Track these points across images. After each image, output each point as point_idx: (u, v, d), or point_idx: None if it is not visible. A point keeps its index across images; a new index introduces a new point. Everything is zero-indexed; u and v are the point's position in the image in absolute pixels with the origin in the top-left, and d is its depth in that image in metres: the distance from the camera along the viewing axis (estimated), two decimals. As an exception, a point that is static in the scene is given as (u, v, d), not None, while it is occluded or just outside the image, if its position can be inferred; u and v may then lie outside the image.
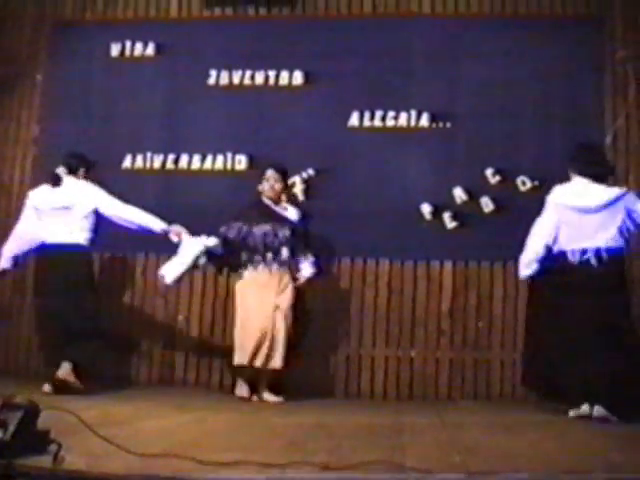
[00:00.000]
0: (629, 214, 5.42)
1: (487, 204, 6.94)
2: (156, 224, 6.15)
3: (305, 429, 4.42)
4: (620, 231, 5.41)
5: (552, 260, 5.51)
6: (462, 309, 6.92)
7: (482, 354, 6.87)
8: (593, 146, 5.93)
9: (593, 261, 5.36)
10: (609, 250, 5.38)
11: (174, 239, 6.14)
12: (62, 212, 6.13)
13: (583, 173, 5.49)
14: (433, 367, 6.91)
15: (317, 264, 6.41)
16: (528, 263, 5.58)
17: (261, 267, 6.21)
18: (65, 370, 5.91)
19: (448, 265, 6.98)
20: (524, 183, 6.92)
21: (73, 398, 5.40)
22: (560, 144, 6.63)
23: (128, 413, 4.85)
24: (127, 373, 7.11)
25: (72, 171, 6.27)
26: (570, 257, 5.42)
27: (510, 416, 5.48)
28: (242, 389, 6.19)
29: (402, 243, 6.95)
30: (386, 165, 7.09)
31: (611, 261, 5.39)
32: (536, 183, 6.80)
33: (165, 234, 6.15)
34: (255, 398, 6.12)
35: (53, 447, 2.91)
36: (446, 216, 6.98)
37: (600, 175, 5.50)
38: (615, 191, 5.47)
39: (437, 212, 7.00)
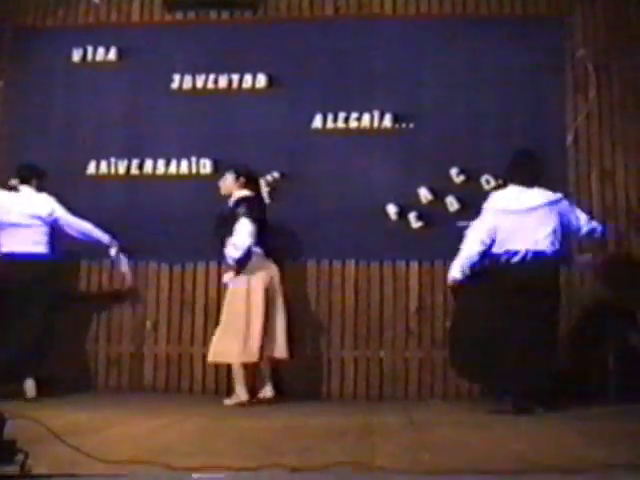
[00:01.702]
0: (562, 219, 5.78)
1: (452, 203, 6.98)
2: (104, 238, 6.63)
3: (275, 432, 4.42)
4: (553, 235, 5.69)
5: (482, 264, 5.80)
6: (429, 309, 6.95)
7: (450, 353, 6.89)
8: (525, 153, 6.06)
9: (520, 261, 5.66)
10: (539, 253, 5.63)
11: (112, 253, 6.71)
12: (26, 222, 6.31)
13: (515, 180, 5.85)
14: (402, 367, 6.94)
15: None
16: (461, 267, 5.79)
17: None
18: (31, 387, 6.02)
19: (414, 265, 7.01)
20: (488, 182, 6.96)
21: (40, 406, 5.36)
22: (523, 143, 6.67)
23: (96, 420, 4.83)
24: (95, 380, 7.06)
25: (25, 181, 6.47)
26: (502, 260, 5.70)
27: (479, 414, 5.50)
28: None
29: (368, 244, 6.96)
30: (350, 166, 7.11)
31: (542, 263, 5.64)
32: (500, 182, 6.82)
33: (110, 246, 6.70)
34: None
35: (20, 457, 2.89)
36: (411, 216, 7.01)
37: (529, 181, 5.80)
38: (549, 195, 5.77)
39: (402, 212, 7.02)
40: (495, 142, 6.97)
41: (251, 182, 6.48)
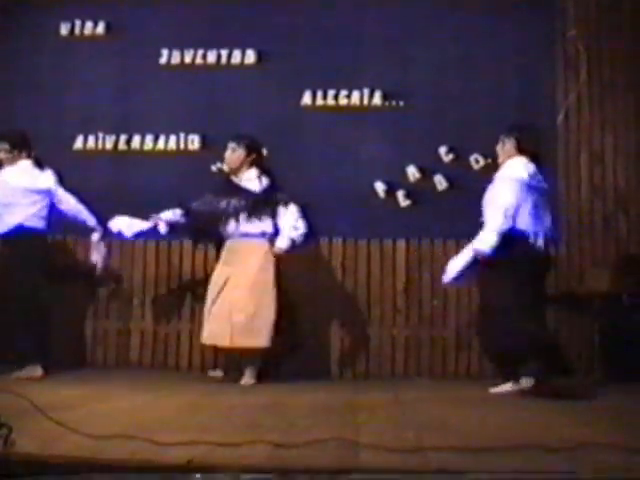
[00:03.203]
0: None
1: (440, 182, 6.97)
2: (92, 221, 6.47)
3: (260, 409, 4.42)
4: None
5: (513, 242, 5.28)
6: (416, 287, 6.96)
7: (437, 331, 6.92)
8: (531, 127, 5.97)
9: (541, 244, 5.37)
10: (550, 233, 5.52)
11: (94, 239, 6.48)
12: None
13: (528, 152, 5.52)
14: (389, 345, 6.95)
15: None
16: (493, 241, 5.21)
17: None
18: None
19: (401, 243, 7.00)
20: (477, 161, 6.96)
21: (25, 381, 5.36)
22: (513, 122, 6.66)
23: (82, 395, 4.82)
24: (81, 356, 7.05)
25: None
26: (531, 239, 5.33)
27: (465, 393, 5.52)
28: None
29: (355, 222, 6.95)
30: (339, 144, 7.08)
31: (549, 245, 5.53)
32: (489, 161, 6.80)
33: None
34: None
35: (3, 431, 2.88)
36: (399, 194, 7.00)
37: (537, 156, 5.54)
38: None
39: (390, 190, 7.02)
40: (485, 121, 6.92)
41: (262, 159, 6.27)
